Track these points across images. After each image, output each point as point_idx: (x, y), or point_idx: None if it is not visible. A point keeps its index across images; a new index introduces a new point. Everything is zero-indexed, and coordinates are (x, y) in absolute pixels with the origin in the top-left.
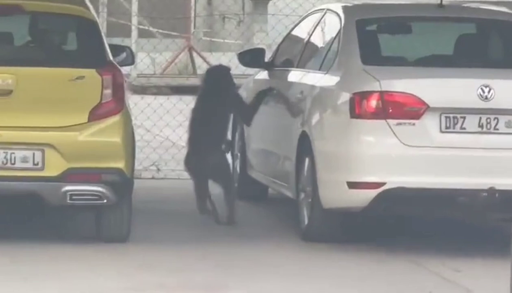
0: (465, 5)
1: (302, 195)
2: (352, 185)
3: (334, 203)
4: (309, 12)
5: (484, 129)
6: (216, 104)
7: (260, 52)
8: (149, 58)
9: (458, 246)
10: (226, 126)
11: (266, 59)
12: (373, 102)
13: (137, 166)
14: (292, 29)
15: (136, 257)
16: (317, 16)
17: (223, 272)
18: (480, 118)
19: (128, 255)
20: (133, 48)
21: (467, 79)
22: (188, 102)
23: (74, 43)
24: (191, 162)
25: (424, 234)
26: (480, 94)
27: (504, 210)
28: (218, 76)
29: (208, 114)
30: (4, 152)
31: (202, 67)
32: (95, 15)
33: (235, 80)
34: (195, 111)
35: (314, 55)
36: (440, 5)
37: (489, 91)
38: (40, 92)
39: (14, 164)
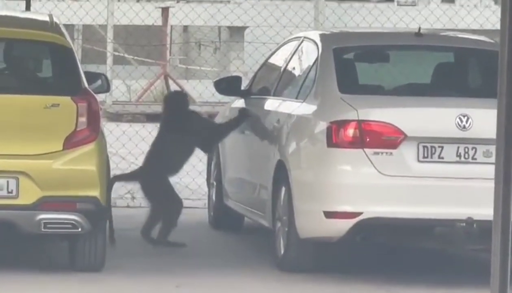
0: (443, 33)
1: (279, 224)
2: (329, 215)
3: (311, 232)
4: (286, 40)
5: (462, 159)
6: (173, 131)
7: (237, 80)
8: (125, 85)
9: (436, 276)
10: (182, 153)
11: (243, 87)
12: (350, 131)
13: (112, 194)
14: (269, 57)
15: (111, 287)
16: (294, 44)
17: None
18: (458, 148)
19: (102, 284)
20: (108, 75)
21: (445, 109)
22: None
23: (49, 70)
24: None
25: (401, 263)
26: (458, 124)
27: (482, 241)
28: (176, 103)
29: (165, 141)
30: None
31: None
32: (70, 42)
33: (199, 109)
34: (156, 138)
35: (291, 83)
36: (418, 34)
37: (467, 121)
38: (14, 119)
39: None
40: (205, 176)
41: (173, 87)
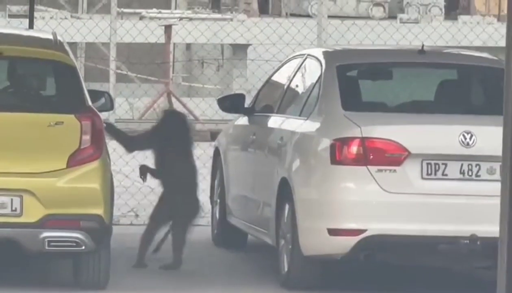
0: (446, 50)
1: (282, 242)
2: (333, 232)
3: (315, 250)
4: (289, 57)
5: (466, 176)
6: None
7: (240, 97)
8: (128, 103)
9: None
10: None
11: (246, 105)
12: (354, 149)
13: (116, 212)
14: (272, 74)
15: None
16: (297, 61)
17: None
18: (462, 165)
19: None
20: (112, 93)
21: (448, 126)
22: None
23: (53, 88)
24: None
25: (405, 281)
26: (462, 141)
27: (486, 258)
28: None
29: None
30: None
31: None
32: (74, 60)
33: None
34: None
35: (294, 101)
36: (421, 51)
37: (470, 138)
38: (18, 137)
39: None
40: (209, 194)
41: (176, 105)
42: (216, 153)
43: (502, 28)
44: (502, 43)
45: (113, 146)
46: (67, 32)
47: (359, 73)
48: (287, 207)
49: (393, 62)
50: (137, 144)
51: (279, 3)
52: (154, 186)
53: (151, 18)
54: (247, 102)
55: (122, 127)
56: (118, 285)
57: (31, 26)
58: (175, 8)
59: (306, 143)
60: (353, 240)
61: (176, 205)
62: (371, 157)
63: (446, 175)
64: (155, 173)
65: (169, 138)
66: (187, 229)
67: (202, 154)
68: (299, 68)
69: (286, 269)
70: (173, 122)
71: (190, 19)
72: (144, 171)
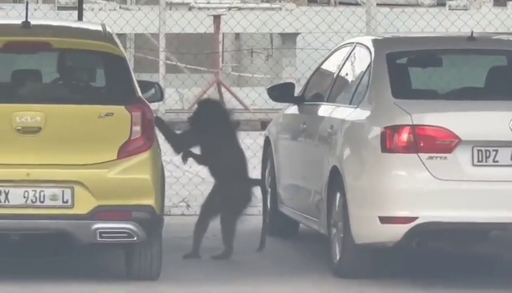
0: (496, 37)
1: (334, 230)
2: (384, 220)
3: (366, 238)
4: (338, 46)
5: None
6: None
7: (290, 86)
8: (178, 94)
9: (492, 281)
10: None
11: (296, 94)
12: (405, 136)
13: (167, 203)
14: (322, 63)
15: None
16: (346, 50)
17: None
18: None
19: None
20: (161, 83)
21: (499, 112)
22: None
23: (103, 80)
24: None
25: (457, 269)
26: None
27: None
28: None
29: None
30: (33, 190)
31: (231, 102)
32: (123, 51)
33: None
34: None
35: (344, 89)
36: (471, 38)
37: None
38: (69, 129)
39: (43, 202)
40: None
41: (226, 95)
42: (267, 142)
43: None
44: None
45: (163, 137)
46: (116, 24)
47: (409, 60)
48: (338, 195)
49: (442, 49)
50: (183, 144)
51: None
52: (204, 175)
53: (200, 8)
54: (297, 91)
55: (172, 117)
56: (170, 276)
57: (80, 18)
58: None
59: (357, 132)
60: (404, 228)
61: (226, 194)
62: (422, 144)
63: (497, 161)
64: (199, 159)
65: (209, 127)
66: (237, 218)
67: (252, 143)
68: (348, 56)
69: (338, 257)
70: (209, 111)
71: (239, 8)
72: (186, 155)
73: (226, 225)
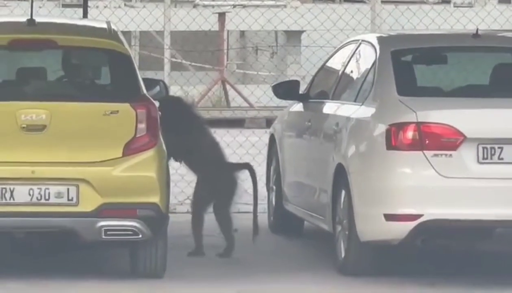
0: (501, 34)
1: (339, 228)
2: (389, 217)
3: (371, 235)
4: (343, 43)
5: None
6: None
7: (295, 84)
8: (183, 91)
9: (497, 279)
10: None
11: (301, 91)
12: (410, 134)
13: (172, 200)
14: (327, 60)
15: None
16: (351, 47)
17: None
18: None
19: (164, 291)
20: (166, 81)
21: (504, 110)
22: (222, 135)
23: (108, 77)
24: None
25: (462, 266)
26: None
27: None
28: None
29: None
30: (38, 188)
31: (236, 100)
32: (128, 49)
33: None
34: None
35: (349, 86)
36: (476, 35)
37: None
38: (73, 127)
39: (48, 199)
40: (265, 181)
41: (231, 93)
42: (272, 139)
43: None
44: None
45: None
46: (121, 21)
47: (414, 58)
48: (343, 193)
49: (447, 47)
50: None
51: None
52: None
53: (205, 6)
54: (302, 88)
55: None
56: (175, 273)
57: (85, 15)
58: None
59: (362, 129)
60: (410, 225)
61: (211, 185)
62: (427, 141)
63: (502, 158)
64: (175, 156)
65: (176, 123)
66: (229, 207)
67: (257, 140)
68: (353, 54)
69: (343, 255)
70: (172, 107)
71: (244, 6)
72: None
73: (221, 217)
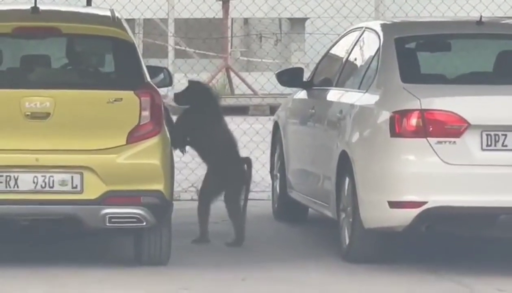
0: (504, 21)
1: (343, 215)
2: (393, 204)
3: (375, 222)
4: (347, 30)
5: None
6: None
7: (299, 71)
8: (187, 79)
9: (502, 266)
10: None
11: (305, 79)
12: (413, 121)
13: (176, 188)
14: (331, 48)
15: (177, 280)
16: (355, 34)
17: None
18: None
19: (168, 278)
20: (170, 69)
21: (508, 96)
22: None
23: (112, 65)
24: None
25: (466, 253)
26: None
27: None
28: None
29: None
30: (42, 176)
31: (240, 87)
32: (132, 36)
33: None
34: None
35: (353, 74)
36: (479, 22)
37: None
38: (78, 114)
39: (52, 187)
40: (269, 168)
41: (235, 80)
42: (276, 127)
43: None
44: None
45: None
46: (125, 9)
47: (418, 45)
48: (347, 180)
49: (451, 34)
50: (178, 139)
51: None
52: None
53: None
54: (306, 76)
55: None
56: (179, 261)
57: (89, 3)
58: None
59: (366, 116)
60: (414, 212)
61: (223, 175)
62: (431, 128)
63: (506, 145)
64: (190, 144)
65: (195, 107)
66: (240, 198)
67: (261, 128)
68: (357, 41)
69: (347, 242)
70: (198, 91)
71: None
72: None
73: (232, 207)
